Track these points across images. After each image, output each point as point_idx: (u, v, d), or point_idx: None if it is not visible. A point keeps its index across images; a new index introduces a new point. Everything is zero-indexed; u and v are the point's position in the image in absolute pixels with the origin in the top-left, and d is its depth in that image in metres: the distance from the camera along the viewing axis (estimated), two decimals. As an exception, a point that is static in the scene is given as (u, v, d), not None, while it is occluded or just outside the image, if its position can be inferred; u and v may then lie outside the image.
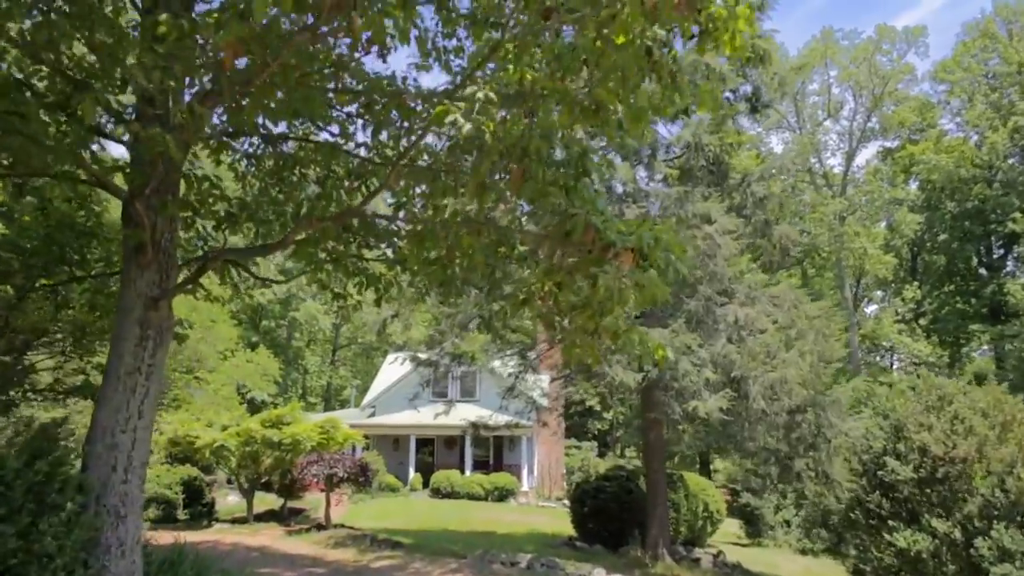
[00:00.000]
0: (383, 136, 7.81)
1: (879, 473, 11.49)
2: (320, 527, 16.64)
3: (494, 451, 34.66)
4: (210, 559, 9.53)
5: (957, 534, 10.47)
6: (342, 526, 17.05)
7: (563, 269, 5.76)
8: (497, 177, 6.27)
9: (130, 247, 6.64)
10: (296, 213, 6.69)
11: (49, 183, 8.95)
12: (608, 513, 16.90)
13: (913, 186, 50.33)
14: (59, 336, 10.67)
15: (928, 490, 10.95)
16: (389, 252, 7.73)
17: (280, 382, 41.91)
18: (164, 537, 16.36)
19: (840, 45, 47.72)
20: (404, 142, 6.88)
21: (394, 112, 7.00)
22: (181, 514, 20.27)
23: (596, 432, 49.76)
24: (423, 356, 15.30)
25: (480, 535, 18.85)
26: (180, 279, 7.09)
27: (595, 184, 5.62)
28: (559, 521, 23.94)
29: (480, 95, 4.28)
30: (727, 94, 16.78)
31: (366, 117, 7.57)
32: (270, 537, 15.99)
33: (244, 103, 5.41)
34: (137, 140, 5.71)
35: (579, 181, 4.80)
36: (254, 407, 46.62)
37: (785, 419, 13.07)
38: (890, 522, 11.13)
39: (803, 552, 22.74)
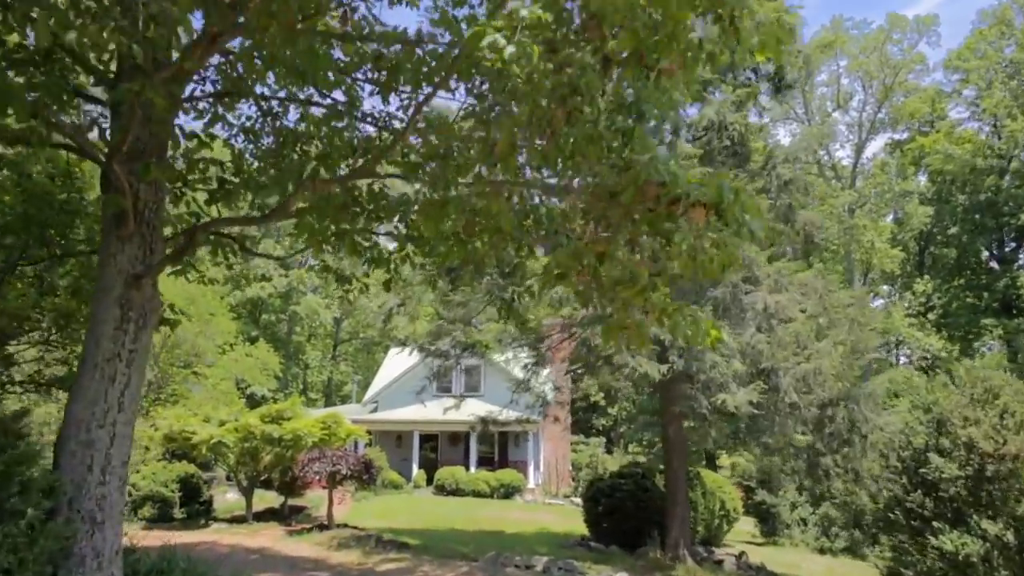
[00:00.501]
0: (393, 104, 7.03)
1: (921, 471, 10.72)
2: (322, 527, 15.90)
3: (499, 447, 33.91)
4: (204, 564, 8.78)
5: (1010, 536, 9.72)
6: (345, 525, 16.31)
7: (605, 239, 5.00)
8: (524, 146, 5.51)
9: (109, 217, 5.88)
10: (298, 176, 5.91)
11: (27, 155, 8.19)
12: (624, 512, 16.16)
13: (922, 179, 49.50)
14: (42, 325, 9.90)
15: (976, 489, 10.20)
16: (401, 227, 6.93)
17: (280, 377, 41.15)
18: (159, 538, 15.62)
19: (850, 34, 46.85)
20: (418, 99, 6.09)
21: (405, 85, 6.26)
22: (178, 512, 19.52)
23: (600, 428, 49.02)
24: (432, 347, 14.46)
25: (488, 535, 18.12)
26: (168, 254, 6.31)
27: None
28: (569, 519, 23.21)
29: (524, 12, 3.49)
30: (748, 73, 16.03)
31: (375, 81, 6.82)
32: (270, 538, 15.25)
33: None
34: (112, 89, 4.93)
35: (637, 125, 4.03)
36: (254, 402, 45.86)
37: (815, 413, 12.31)
38: (934, 523, 10.37)
39: (821, 551, 22.00)
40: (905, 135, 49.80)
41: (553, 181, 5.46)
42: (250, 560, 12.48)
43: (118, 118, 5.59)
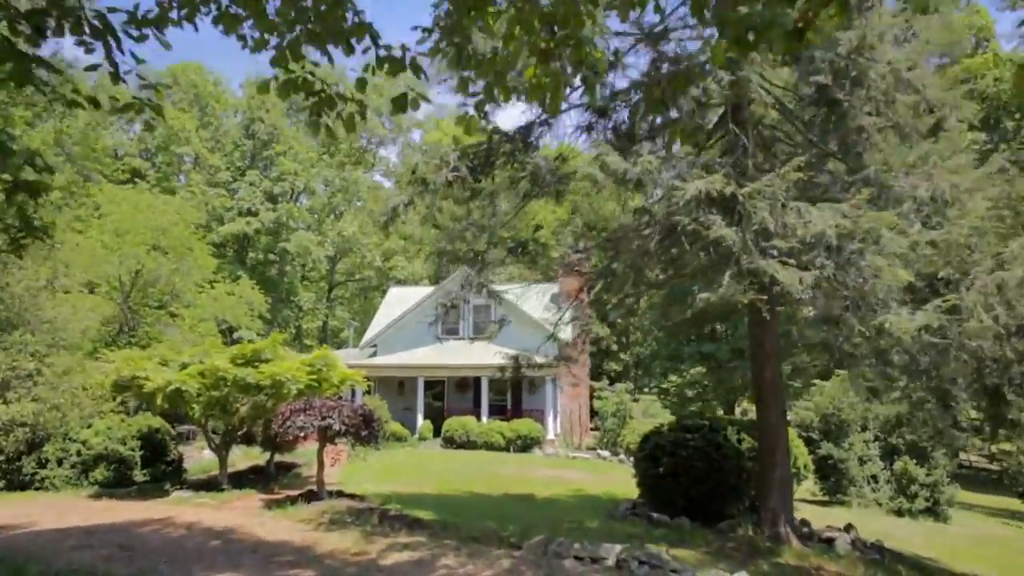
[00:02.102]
0: None
1: None
2: (311, 496, 12.52)
3: (512, 394, 30.66)
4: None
5: None
6: (340, 493, 12.92)
7: None
8: None
9: None
10: None
11: None
12: (692, 474, 12.81)
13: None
14: None
15: None
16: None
17: (270, 319, 37.67)
18: (103, 511, 12.24)
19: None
20: None
21: None
22: (139, 474, 16.19)
23: (612, 375, 46.02)
24: (463, 249, 10.45)
25: (516, 500, 14.85)
26: None
27: None
28: (603, 477, 20.01)
29: None
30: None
31: None
32: (243, 511, 11.88)
33: None
34: None
35: None
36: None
37: (991, 345, 8.75)
38: None
39: (898, 513, 18.87)
40: (946, 60, 45.47)
41: None
42: (208, 548, 9.08)
43: None
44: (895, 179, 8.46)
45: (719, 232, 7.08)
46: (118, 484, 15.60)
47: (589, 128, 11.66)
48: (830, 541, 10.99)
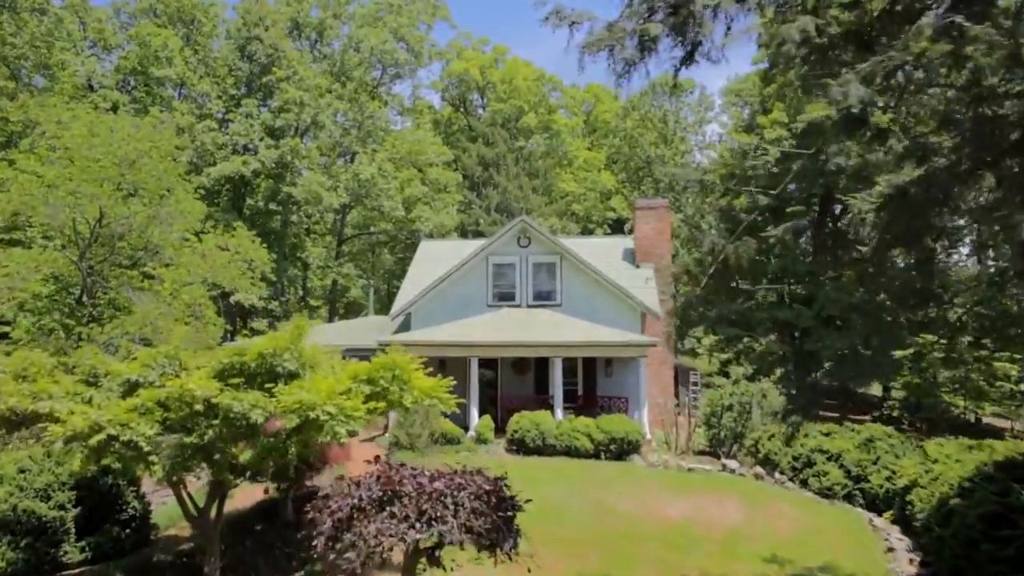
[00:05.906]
0: None
1: None
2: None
3: (584, 378, 24.21)
4: None
5: None
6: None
7: None
8: None
9: None
10: None
11: None
12: None
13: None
14: None
15: None
16: None
17: (275, 281, 30.96)
18: None
19: None
20: None
21: None
22: (74, 550, 9.73)
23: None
24: None
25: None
26: None
27: None
28: (767, 512, 13.62)
29: None
30: None
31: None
32: None
33: None
34: None
35: None
36: (243, 314, 35.79)
37: None
38: None
39: None
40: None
41: None
42: None
43: None
44: None
45: None
46: (35, 570, 9.20)
47: None
48: None
